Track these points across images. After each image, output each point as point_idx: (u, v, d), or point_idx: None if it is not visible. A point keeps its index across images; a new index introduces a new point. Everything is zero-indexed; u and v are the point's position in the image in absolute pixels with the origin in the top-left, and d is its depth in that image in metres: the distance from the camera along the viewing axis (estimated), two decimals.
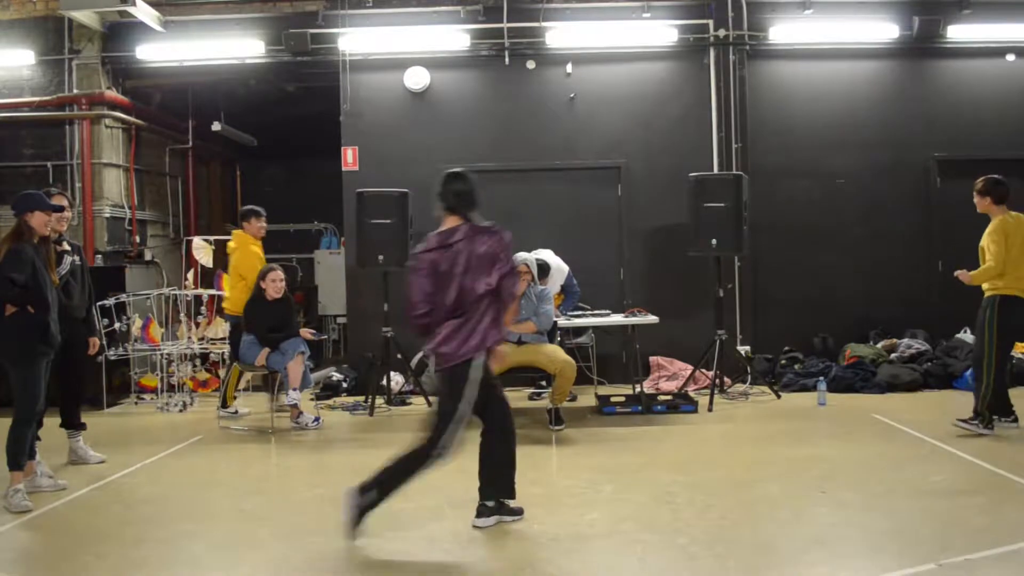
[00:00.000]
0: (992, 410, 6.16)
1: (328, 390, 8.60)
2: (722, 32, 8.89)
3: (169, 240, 10.69)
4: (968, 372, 7.98)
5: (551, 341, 6.92)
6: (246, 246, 7.50)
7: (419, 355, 8.55)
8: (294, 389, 6.93)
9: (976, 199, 6.28)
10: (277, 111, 11.15)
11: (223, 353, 8.31)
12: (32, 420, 5.02)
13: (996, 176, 6.28)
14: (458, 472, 5.55)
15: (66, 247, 5.80)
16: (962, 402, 7.28)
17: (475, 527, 4.34)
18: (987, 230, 6.17)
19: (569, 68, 9.03)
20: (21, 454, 4.94)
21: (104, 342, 7.94)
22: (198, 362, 8.64)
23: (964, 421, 6.20)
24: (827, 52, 9.10)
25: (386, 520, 4.57)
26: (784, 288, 9.05)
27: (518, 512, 4.46)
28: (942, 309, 8.95)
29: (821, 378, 7.90)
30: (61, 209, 5.47)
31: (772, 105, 9.09)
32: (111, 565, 4.01)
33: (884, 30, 8.96)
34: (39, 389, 4.98)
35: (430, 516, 4.62)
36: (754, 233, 8.39)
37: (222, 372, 8.56)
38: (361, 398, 8.08)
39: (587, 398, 8.02)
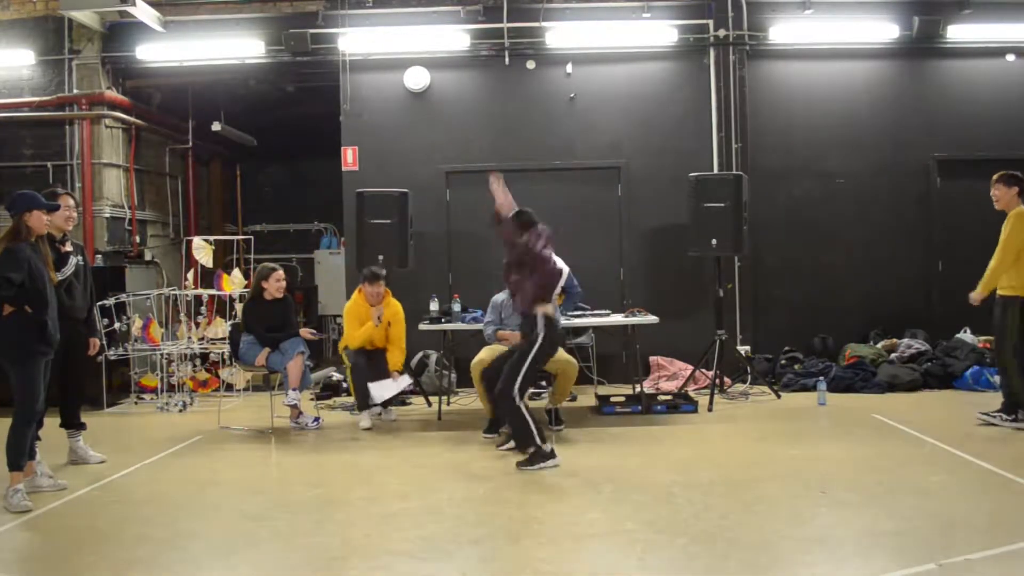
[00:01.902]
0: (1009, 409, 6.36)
1: (328, 390, 8.60)
2: (722, 32, 8.89)
3: (169, 240, 10.69)
4: (968, 372, 8.00)
5: None
6: (354, 302, 7.33)
7: (419, 355, 8.56)
8: (294, 389, 6.93)
9: (999, 191, 6.33)
10: (277, 111, 11.14)
11: (223, 353, 8.31)
12: (32, 420, 5.02)
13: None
14: (458, 472, 5.57)
15: (69, 247, 5.80)
16: (962, 402, 7.31)
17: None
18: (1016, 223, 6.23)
19: (569, 68, 9.03)
20: (21, 454, 4.94)
21: (104, 342, 7.95)
22: (198, 362, 8.64)
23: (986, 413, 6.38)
24: (827, 52, 9.10)
25: (386, 520, 4.58)
26: (784, 288, 9.06)
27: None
28: (942, 309, 8.95)
29: (821, 378, 7.90)
30: (58, 208, 5.47)
31: (772, 105, 9.09)
32: (111, 565, 4.01)
33: (884, 30, 8.96)
34: (38, 389, 4.98)
35: (430, 516, 4.62)
36: (754, 233, 8.40)
37: (222, 372, 8.58)
38: None
39: (587, 398, 8.02)
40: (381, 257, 8.00)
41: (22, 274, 4.85)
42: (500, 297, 6.95)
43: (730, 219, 7.88)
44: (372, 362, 7.13)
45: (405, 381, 7.13)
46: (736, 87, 8.89)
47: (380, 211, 8.09)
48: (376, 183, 8.57)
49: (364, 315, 7.21)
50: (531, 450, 5.58)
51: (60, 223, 5.61)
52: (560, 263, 7.78)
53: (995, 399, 7.09)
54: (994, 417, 6.36)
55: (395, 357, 7.19)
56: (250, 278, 7.92)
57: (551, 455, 5.57)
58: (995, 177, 6.41)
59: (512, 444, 5.88)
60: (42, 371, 5.01)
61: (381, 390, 7.00)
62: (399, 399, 8.10)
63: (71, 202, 5.84)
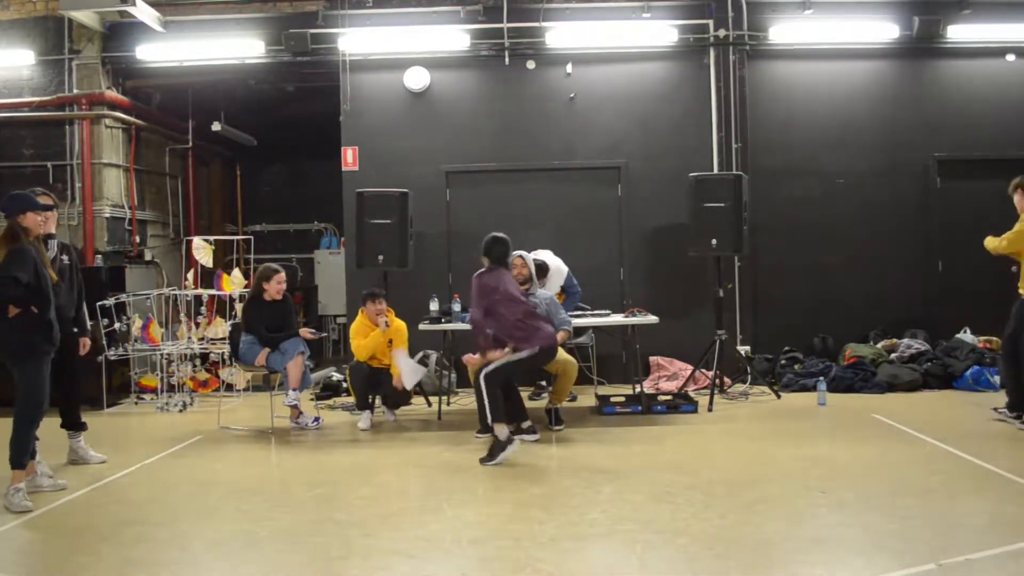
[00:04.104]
0: (1010, 407, 6.40)
1: (328, 390, 8.61)
2: (722, 32, 8.89)
3: (169, 240, 10.69)
4: (968, 372, 8.01)
5: None
6: (358, 323, 7.31)
7: (419, 355, 8.56)
8: (294, 389, 6.94)
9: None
10: (277, 111, 11.15)
11: (223, 353, 8.31)
12: (37, 419, 5.03)
13: None
14: (458, 472, 5.57)
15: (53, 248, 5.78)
16: (962, 402, 7.31)
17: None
18: None
19: (569, 68, 9.04)
20: (24, 453, 4.95)
21: (104, 342, 7.97)
22: (198, 362, 8.64)
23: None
24: (827, 52, 9.10)
25: (386, 520, 4.58)
26: (784, 288, 9.06)
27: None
28: (942, 309, 8.96)
29: (821, 378, 7.90)
30: (51, 208, 5.49)
31: (772, 105, 9.09)
32: (111, 565, 4.01)
33: (884, 30, 8.96)
34: (46, 387, 5.02)
35: (430, 516, 4.62)
36: (754, 233, 8.40)
37: (222, 372, 8.58)
38: None
39: (587, 398, 8.02)
40: (381, 257, 8.00)
41: (29, 274, 4.91)
42: None
43: (730, 219, 7.88)
44: (376, 380, 7.15)
45: (421, 370, 7.17)
46: (736, 87, 8.89)
47: (380, 211, 8.10)
48: (376, 183, 8.57)
49: (369, 333, 7.22)
50: (489, 444, 5.82)
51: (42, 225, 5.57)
52: (559, 263, 7.82)
53: (995, 398, 7.12)
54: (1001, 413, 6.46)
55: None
56: (250, 278, 7.92)
57: (508, 442, 5.76)
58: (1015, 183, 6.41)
59: (534, 437, 6.34)
60: (47, 370, 5.05)
61: (410, 373, 7.04)
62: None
63: (50, 201, 5.78)
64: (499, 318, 5.92)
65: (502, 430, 5.78)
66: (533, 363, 6.11)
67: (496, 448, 5.73)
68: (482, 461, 5.69)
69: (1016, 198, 6.33)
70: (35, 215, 5.08)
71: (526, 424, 6.36)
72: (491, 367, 5.90)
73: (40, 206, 5.14)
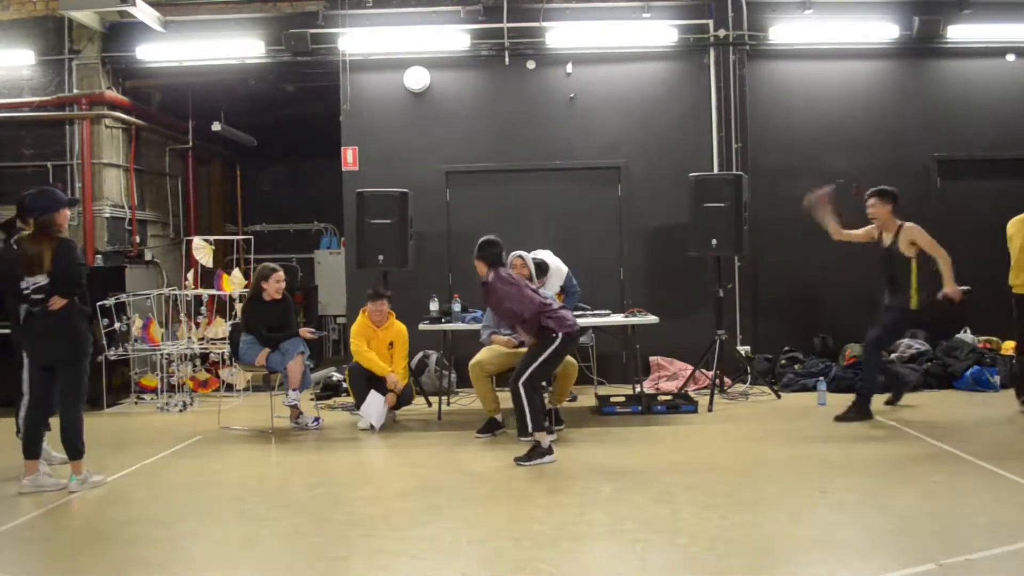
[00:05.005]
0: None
1: (328, 390, 8.61)
2: (722, 32, 8.90)
3: (169, 240, 10.69)
4: (969, 372, 8.00)
5: None
6: (359, 324, 7.30)
7: (419, 355, 8.56)
8: (294, 389, 6.94)
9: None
10: (277, 111, 11.14)
11: (223, 353, 8.31)
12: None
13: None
14: (458, 472, 5.57)
15: None
16: (962, 402, 7.31)
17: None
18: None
19: (569, 68, 9.04)
20: (81, 440, 5.21)
21: (104, 342, 7.97)
22: (198, 362, 8.64)
23: None
24: (827, 52, 9.10)
25: (386, 520, 4.58)
26: (784, 288, 9.06)
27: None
28: (942, 309, 8.92)
29: (821, 378, 7.90)
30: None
31: (772, 105, 9.09)
32: (111, 564, 4.01)
33: (884, 30, 8.96)
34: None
35: (430, 516, 4.62)
36: (754, 233, 8.39)
37: (222, 372, 8.59)
38: None
39: (587, 398, 8.02)
40: (381, 257, 8.00)
41: None
42: None
43: (730, 219, 7.88)
44: (376, 381, 7.15)
45: (383, 408, 7.04)
46: (736, 87, 8.89)
47: (380, 211, 8.10)
48: (376, 183, 8.57)
49: (370, 335, 7.22)
50: (530, 446, 5.67)
51: None
52: (559, 262, 7.82)
53: (995, 398, 7.12)
54: None
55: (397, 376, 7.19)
56: (250, 278, 7.92)
57: (548, 451, 5.66)
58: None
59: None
60: None
61: (370, 408, 6.99)
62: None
63: None
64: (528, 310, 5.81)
65: (544, 438, 5.70)
66: (561, 354, 5.94)
67: (535, 452, 5.64)
68: (518, 460, 5.63)
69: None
70: (66, 211, 5.23)
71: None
72: (525, 375, 5.71)
73: (71, 202, 5.34)
